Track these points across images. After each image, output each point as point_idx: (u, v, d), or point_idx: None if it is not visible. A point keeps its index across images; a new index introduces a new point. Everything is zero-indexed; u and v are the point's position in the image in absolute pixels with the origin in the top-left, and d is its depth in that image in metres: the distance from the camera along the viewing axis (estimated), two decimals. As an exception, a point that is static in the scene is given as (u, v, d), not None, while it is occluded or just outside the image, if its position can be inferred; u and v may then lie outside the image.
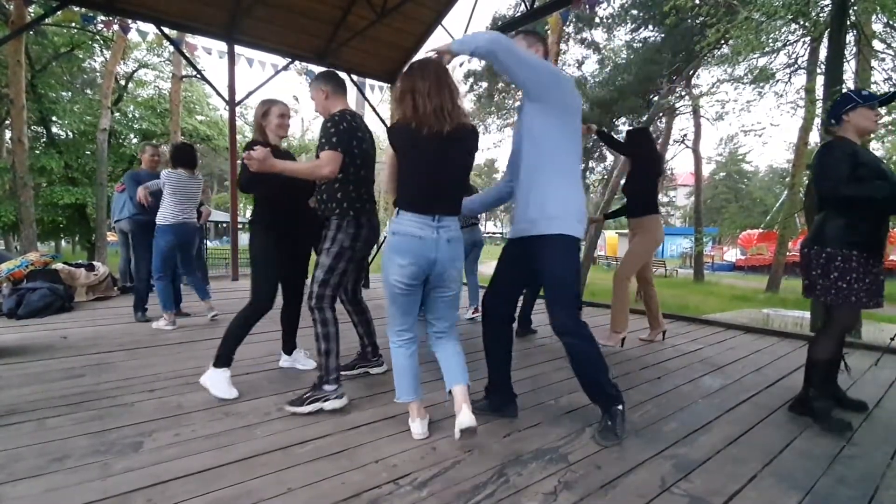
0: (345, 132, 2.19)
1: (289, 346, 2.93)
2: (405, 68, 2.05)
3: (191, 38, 8.36)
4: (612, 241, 29.92)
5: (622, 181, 3.99)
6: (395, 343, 2.03)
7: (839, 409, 2.36)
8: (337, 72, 2.48)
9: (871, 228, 2.16)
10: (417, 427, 2.00)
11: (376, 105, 9.08)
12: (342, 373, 2.59)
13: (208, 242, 14.93)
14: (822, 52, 8.71)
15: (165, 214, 3.85)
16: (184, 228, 3.94)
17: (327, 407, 2.20)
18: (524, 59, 1.85)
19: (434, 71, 1.86)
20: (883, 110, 7.36)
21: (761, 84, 10.51)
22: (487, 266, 4.21)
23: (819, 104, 6.71)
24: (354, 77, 8.14)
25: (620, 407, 2.00)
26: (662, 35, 13.65)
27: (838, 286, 2.15)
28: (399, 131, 1.87)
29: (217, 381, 2.38)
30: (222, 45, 6.74)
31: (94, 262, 5.51)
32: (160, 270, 3.94)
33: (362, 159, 2.33)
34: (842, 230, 2.16)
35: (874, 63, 8.24)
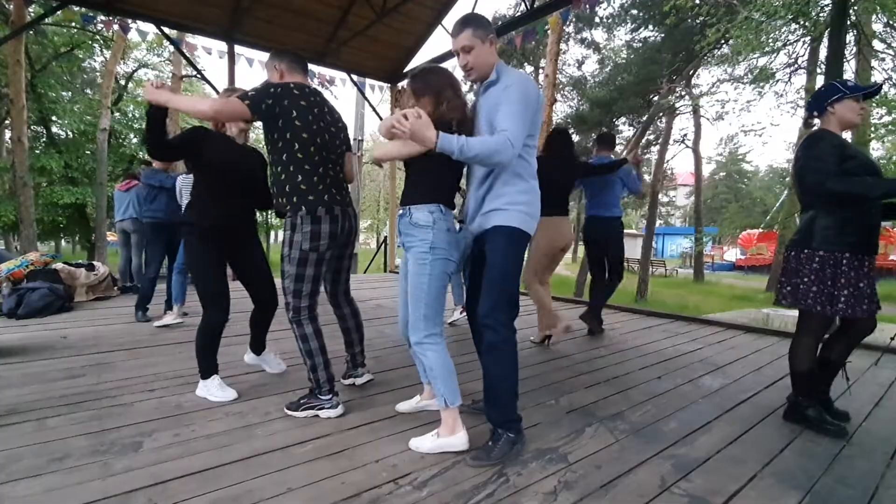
0: (272, 96, 1.94)
1: (256, 346, 2.72)
2: (426, 68, 1.98)
3: (191, 38, 8.36)
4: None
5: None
6: (436, 343, 1.88)
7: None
8: (292, 50, 2.26)
9: (863, 227, 2.02)
10: (464, 437, 1.87)
11: (376, 105, 9.08)
12: (342, 381, 2.56)
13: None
14: (822, 52, 8.72)
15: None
16: None
17: (322, 415, 2.14)
18: (525, 120, 1.76)
19: (453, 79, 1.94)
20: (883, 109, 7.37)
21: (761, 84, 10.53)
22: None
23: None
24: (354, 77, 8.15)
25: (511, 436, 1.82)
26: (662, 35, 13.67)
27: (830, 294, 2.02)
28: (446, 126, 1.84)
29: (210, 389, 2.34)
30: (222, 45, 6.75)
31: (94, 262, 5.51)
32: (182, 265, 4.02)
33: (313, 136, 2.04)
34: (833, 230, 2.02)
35: (874, 63, 8.25)
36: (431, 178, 1.90)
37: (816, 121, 2.18)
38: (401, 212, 1.96)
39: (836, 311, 2.04)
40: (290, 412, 2.19)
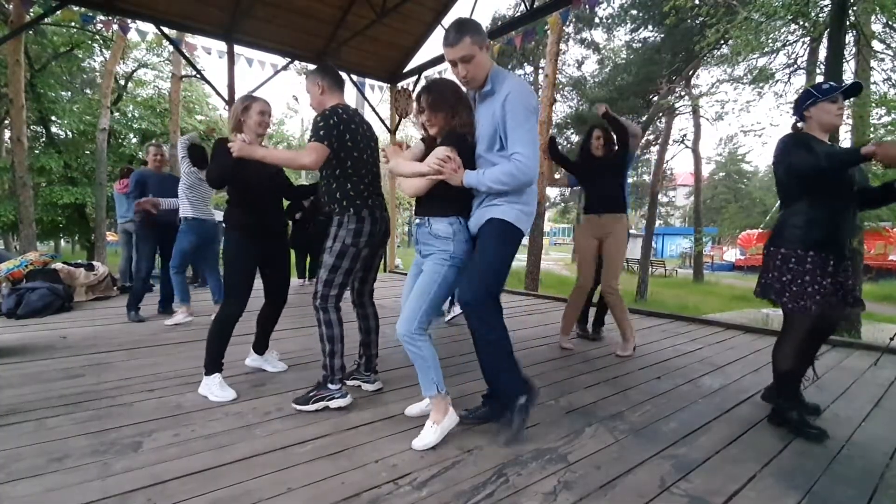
0: (334, 126, 2.15)
1: (260, 346, 2.85)
2: (439, 81, 2.02)
3: (190, 38, 8.36)
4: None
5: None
6: (427, 337, 1.97)
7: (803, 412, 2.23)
8: (334, 66, 2.45)
9: (830, 225, 2.05)
10: (454, 414, 1.97)
11: (376, 105, 9.07)
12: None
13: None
14: (822, 53, 8.72)
15: (186, 212, 3.93)
16: (205, 226, 4.01)
17: (332, 405, 2.21)
18: (533, 131, 1.80)
19: (463, 93, 1.98)
20: (883, 109, 7.37)
21: (761, 84, 10.52)
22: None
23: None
24: (354, 77, 8.15)
25: (522, 399, 1.91)
26: (662, 35, 13.68)
27: (792, 290, 2.07)
28: (462, 137, 1.95)
29: (211, 388, 2.38)
30: (222, 45, 6.74)
31: (94, 262, 5.51)
32: (178, 266, 4.00)
33: (360, 153, 2.29)
34: (800, 229, 2.08)
35: (874, 63, 8.25)
36: (453, 191, 1.92)
37: (801, 124, 2.21)
38: (418, 221, 2.01)
39: (800, 308, 2.06)
40: (299, 407, 2.22)
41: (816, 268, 2.04)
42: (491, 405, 2.18)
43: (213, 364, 2.41)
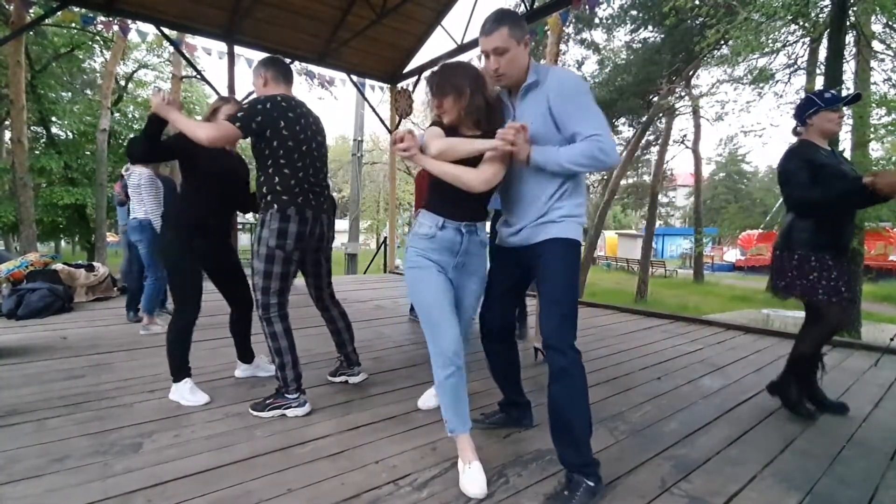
0: (259, 113, 2.00)
1: (245, 355, 2.71)
2: (446, 64, 1.77)
3: (190, 39, 8.35)
4: (612, 241, 29.91)
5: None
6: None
7: (819, 411, 2.38)
8: (283, 59, 2.31)
9: (836, 230, 2.22)
10: (476, 474, 1.59)
11: (376, 105, 9.08)
12: (330, 379, 2.64)
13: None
14: (822, 53, 8.72)
15: (138, 214, 3.75)
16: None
17: (289, 414, 2.14)
18: (601, 115, 1.66)
19: (476, 74, 1.71)
20: (883, 110, 7.37)
21: (761, 84, 10.51)
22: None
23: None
24: (354, 77, 8.15)
25: (591, 484, 1.55)
26: (662, 35, 13.66)
27: (822, 285, 2.19)
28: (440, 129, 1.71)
29: (182, 393, 2.30)
30: (222, 46, 6.75)
31: (94, 263, 5.51)
32: (158, 270, 3.86)
33: (297, 145, 2.11)
34: (808, 234, 2.23)
35: (874, 63, 8.24)
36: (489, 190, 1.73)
37: (802, 128, 2.34)
38: (467, 228, 1.75)
39: (838, 301, 2.19)
40: (255, 413, 2.16)
41: (836, 266, 2.19)
42: (508, 412, 2.14)
43: (180, 371, 2.33)
